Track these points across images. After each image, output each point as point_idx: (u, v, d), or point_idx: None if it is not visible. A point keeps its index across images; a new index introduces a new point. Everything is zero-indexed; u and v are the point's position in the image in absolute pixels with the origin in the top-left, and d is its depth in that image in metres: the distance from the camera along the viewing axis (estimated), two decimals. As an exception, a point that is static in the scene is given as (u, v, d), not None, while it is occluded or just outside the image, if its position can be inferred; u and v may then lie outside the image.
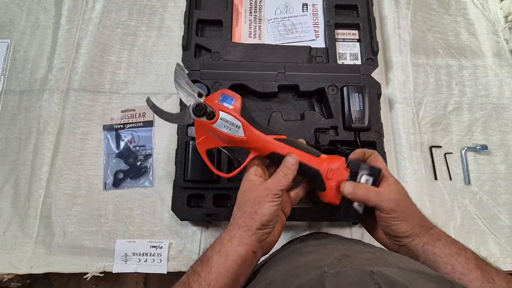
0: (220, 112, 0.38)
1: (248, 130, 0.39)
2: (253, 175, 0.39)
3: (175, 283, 0.34)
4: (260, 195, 0.36)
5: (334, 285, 0.25)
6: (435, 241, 0.35)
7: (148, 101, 0.42)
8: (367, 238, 0.59)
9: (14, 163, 0.61)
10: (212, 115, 0.38)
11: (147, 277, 1.14)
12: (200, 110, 0.38)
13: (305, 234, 0.58)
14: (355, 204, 0.38)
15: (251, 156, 0.40)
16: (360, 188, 0.37)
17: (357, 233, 0.60)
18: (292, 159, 0.38)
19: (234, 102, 0.39)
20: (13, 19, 0.70)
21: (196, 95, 0.39)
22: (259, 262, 0.41)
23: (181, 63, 0.63)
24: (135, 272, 0.56)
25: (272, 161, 0.41)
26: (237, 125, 0.38)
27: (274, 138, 0.39)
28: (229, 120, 0.38)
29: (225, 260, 0.34)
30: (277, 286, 0.30)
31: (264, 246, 0.38)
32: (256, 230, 0.36)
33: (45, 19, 0.70)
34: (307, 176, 0.41)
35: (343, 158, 0.40)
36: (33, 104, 0.65)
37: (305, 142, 0.42)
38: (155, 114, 0.45)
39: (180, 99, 0.53)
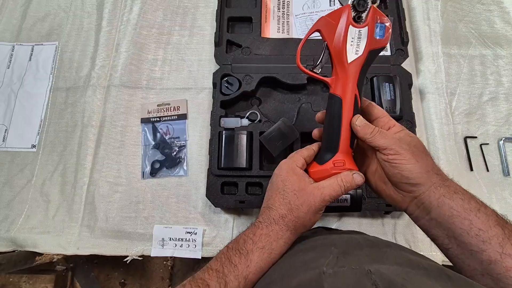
0: (367, 27, 0.35)
1: (355, 65, 0.36)
2: (300, 167, 0.38)
3: (200, 267, 0.34)
4: (316, 204, 0.35)
5: (332, 286, 0.25)
6: (453, 194, 0.31)
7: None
8: (400, 227, 0.59)
9: (62, 153, 0.67)
10: (360, 21, 0.35)
11: (174, 258, 1.16)
12: (362, 6, 0.34)
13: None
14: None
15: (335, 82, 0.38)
16: (366, 126, 0.35)
17: (389, 224, 0.60)
18: (360, 178, 0.36)
19: (383, 39, 0.35)
20: (60, 24, 0.77)
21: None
22: None
23: (213, 59, 0.66)
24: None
25: (332, 106, 0.39)
26: (357, 51, 0.35)
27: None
28: (359, 42, 0.35)
29: (267, 257, 0.34)
30: (276, 286, 0.30)
31: None
32: (301, 233, 0.37)
33: (88, 22, 0.76)
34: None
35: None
36: (78, 99, 0.70)
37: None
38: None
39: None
